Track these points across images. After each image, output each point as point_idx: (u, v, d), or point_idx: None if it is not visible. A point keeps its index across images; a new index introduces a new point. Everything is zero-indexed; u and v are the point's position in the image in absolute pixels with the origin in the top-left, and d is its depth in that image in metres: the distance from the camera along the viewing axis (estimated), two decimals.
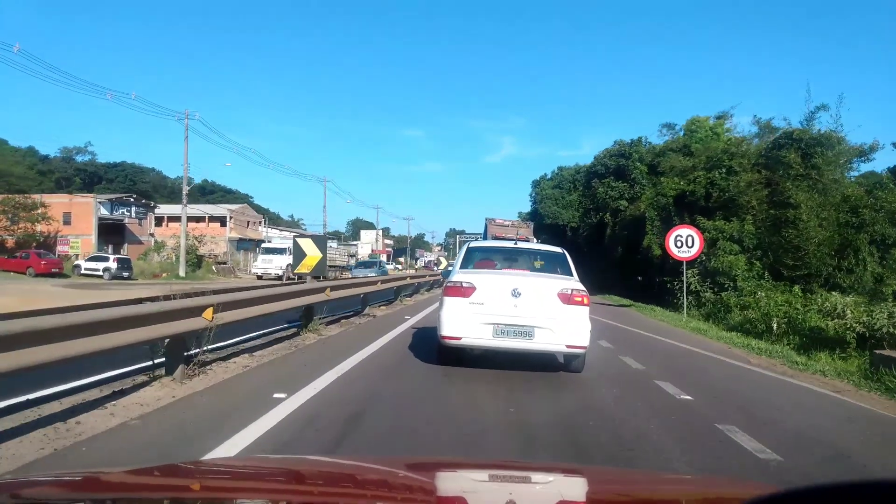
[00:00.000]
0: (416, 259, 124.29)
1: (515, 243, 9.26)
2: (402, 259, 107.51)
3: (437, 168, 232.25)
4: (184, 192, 41.14)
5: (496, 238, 14.80)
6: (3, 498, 1.42)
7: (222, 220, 68.20)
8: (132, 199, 58.64)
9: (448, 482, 2.02)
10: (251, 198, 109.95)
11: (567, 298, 6.98)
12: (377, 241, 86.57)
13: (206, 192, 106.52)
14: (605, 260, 34.20)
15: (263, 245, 46.00)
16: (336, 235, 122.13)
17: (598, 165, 37.12)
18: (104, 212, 54.20)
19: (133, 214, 57.80)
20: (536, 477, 2.27)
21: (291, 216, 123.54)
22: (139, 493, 1.74)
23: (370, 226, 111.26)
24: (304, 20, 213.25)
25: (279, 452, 3.98)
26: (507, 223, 18.72)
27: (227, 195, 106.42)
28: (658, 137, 33.34)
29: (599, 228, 35.76)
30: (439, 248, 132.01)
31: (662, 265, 24.88)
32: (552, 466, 3.25)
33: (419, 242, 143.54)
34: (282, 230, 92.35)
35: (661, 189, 26.04)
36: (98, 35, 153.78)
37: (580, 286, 7.20)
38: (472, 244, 8.90)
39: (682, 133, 31.58)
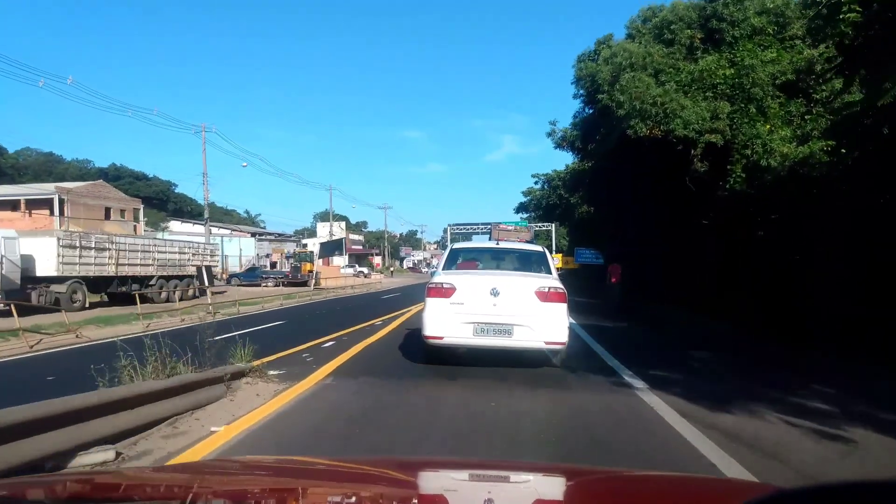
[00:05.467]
0: (402, 259, 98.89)
1: (497, 244, 9.49)
2: (379, 261, 79.48)
3: (438, 168, 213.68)
4: None
5: (499, 241, 12.20)
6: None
7: (54, 206, 40.49)
8: None
9: (444, 483, 2.00)
10: (174, 185, 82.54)
11: (544, 296, 7.22)
12: (331, 234, 58.68)
13: (112, 177, 79.41)
14: None
15: None
16: (300, 231, 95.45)
17: None
18: None
19: None
20: (520, 476, 2.21)
21: (247, 212, 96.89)
22: (137, 494, 1.70)
23: (341, 218, 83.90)
24: (298, 21, 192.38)
25: None
26: (510, 228, 17.74)
27: (137, 182, 79.18)
28: None
29: None
30: (435, 245, 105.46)
31: None
32: (541, 467, 3.06)
33: (410, 240, 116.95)
34: (204, 224, 64.55)
35: None
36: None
37: (557, 283, 7.43)
38: (456, 246, 9.56)
39: None
